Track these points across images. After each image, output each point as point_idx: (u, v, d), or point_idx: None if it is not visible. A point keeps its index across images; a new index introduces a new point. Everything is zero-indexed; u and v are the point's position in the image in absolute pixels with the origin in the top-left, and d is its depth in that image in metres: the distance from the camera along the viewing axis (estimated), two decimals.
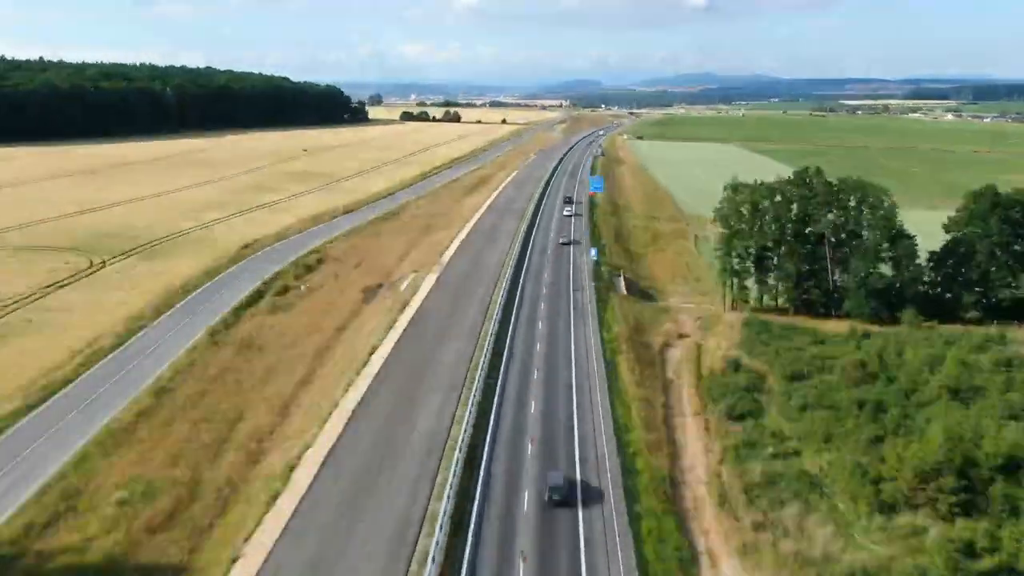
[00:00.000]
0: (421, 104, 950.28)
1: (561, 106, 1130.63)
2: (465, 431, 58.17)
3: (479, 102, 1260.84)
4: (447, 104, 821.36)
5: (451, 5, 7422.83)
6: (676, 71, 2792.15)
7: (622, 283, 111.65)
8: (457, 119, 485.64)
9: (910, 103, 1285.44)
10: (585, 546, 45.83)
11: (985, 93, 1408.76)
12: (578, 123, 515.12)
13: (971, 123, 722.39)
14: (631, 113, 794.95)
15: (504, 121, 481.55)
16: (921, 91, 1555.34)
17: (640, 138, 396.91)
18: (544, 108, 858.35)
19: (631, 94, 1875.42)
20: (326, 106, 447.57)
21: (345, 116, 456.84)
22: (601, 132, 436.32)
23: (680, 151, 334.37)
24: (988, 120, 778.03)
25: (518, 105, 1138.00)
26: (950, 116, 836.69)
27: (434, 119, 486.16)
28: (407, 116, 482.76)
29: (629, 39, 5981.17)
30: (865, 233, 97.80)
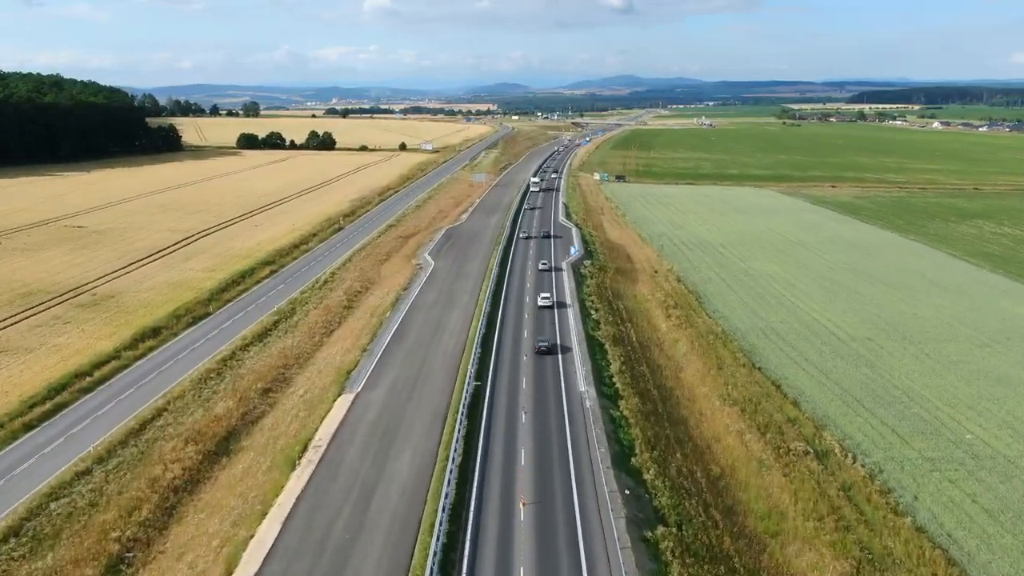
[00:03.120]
0: (330, 111, 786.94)
1: (488, 112, 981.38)
2: None
3: (397, 108, 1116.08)
4: (347, 112, 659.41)
5: (363, 5, 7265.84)
6: (600, 73, 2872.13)
7: None
8: (329, 145, 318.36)
9: (863, 107, 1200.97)
10: None
11: (936, 96, 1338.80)
12: (512, 145, 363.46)
13: (973, 133, 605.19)
14: (574, 123, 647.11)
15: (403, 147, 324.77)
16: (870, 94, 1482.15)
17: (620, 178, 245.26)
18: (470, 118, 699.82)
19: (559, 97, 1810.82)
20: (100, 131, 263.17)
21: (137, 144, 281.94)
22: (550, 173, 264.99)
23: (712, 213, 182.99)
24: (984, 129, 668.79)
25: (441, 112, 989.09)
26: (937, 124, 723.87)
27: (291, 145, 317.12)
28: (249, 142, 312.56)
29: (548, 41, 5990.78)
30: None
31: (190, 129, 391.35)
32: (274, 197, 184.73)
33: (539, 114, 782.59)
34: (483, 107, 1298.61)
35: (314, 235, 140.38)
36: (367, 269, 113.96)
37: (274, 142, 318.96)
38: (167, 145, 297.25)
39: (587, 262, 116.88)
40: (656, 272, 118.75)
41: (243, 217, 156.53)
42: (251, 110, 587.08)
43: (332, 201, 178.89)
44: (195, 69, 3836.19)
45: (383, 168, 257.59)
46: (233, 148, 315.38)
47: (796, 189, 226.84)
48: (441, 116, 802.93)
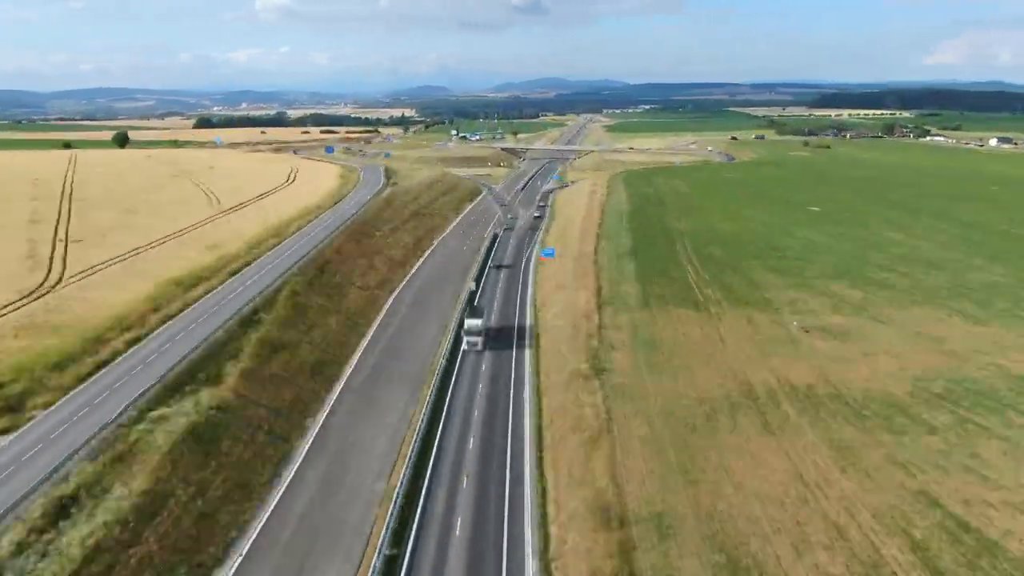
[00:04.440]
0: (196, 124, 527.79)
1: (403, 119, 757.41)
2: None
3: (296, 114, 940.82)
4: (123, 139, 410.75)
5: (256, 5, 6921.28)
6: (523, 76, 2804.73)
7: None
8: None
9: (826, 112, 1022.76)
10: None
11: (909, 100, 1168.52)
12: (339, 293, 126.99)
13: None
14: (506, 151, 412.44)
15: None
16: (834, 97, 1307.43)
17: None
18: (330, 148, 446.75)
19: (483, 101, 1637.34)
20: None
21: None
22: None
23: None
24: None
25: (358, 120, 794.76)
26: (995, 142, 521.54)
27: None
28: None
29: (464, 42, 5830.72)
30: None
31: None
32: None
33: (454, 132, 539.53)
34: (397, 113, 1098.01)
35: None
36: None
37: None
38: None
39: None
40: None
41: None
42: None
43: None
44: (99, 72, 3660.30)
45: None
46: None
47: None
48: (273, 142, 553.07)
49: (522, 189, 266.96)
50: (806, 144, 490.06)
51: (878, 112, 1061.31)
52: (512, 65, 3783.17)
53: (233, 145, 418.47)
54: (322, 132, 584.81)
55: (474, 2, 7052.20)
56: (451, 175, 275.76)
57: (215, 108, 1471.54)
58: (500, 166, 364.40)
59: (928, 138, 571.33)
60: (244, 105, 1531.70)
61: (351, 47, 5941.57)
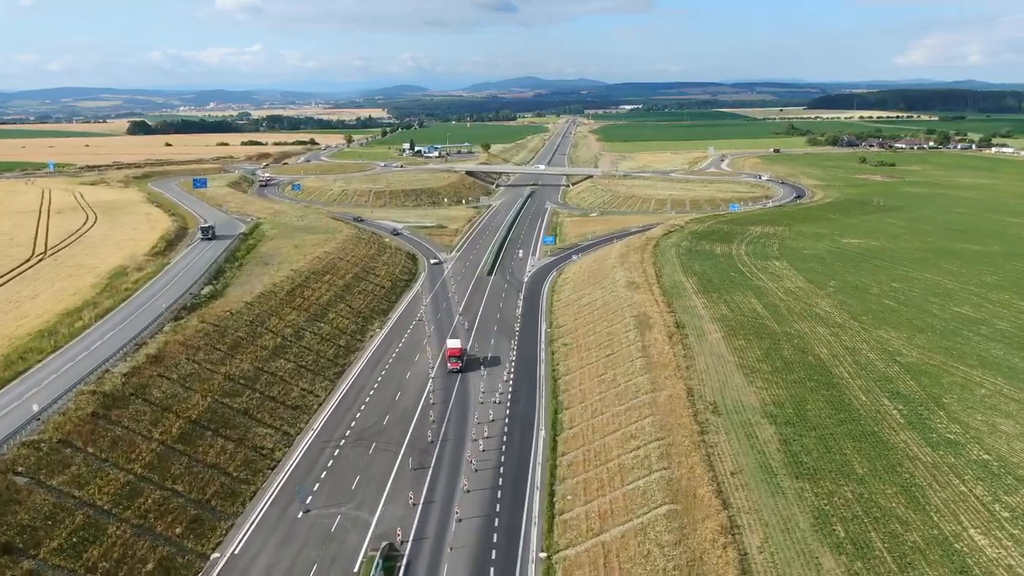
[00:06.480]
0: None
1: (369, 121, 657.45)
2: None
3: (259, 114, 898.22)
4: None
5: (232, 4, 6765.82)
6: (498, 75, 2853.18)
7: None
8: None
9: (829, 115, 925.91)
10: None
11: (914, 101, 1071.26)
12: None
13: None
14: (473, 175, 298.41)
15: None
16: (827, 99, 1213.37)
17: None
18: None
19: (459, 101, 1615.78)
20: None
21: None
22: None
23: None
24: None
25: (318, 123, 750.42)
26: None
27: None
28: None
29: (438, 42, 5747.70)
30: None
31: None
32: None
33: (406, 147, 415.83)
34: (366, 114, 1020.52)
35: None
36: None
37: None
38: None
39: None
40: None
41: None
42: None
43: None
44: (66, 71, 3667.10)
45: None
46: None
47: None
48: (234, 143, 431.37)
49: (491, 272, 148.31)
50: (863, 161, 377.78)
51: (890, 114, 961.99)
52: (489, 66, 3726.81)
53: (86, 168, 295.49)
54: (244, 144, 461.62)
55: (438, 1, 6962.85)
56: (363, 244, 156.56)
57: (182, 108, 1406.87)
58: (462, 204, 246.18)
59: (994, 149, 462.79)
60: (212, 105, 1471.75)
61: (324, 47, 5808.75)
